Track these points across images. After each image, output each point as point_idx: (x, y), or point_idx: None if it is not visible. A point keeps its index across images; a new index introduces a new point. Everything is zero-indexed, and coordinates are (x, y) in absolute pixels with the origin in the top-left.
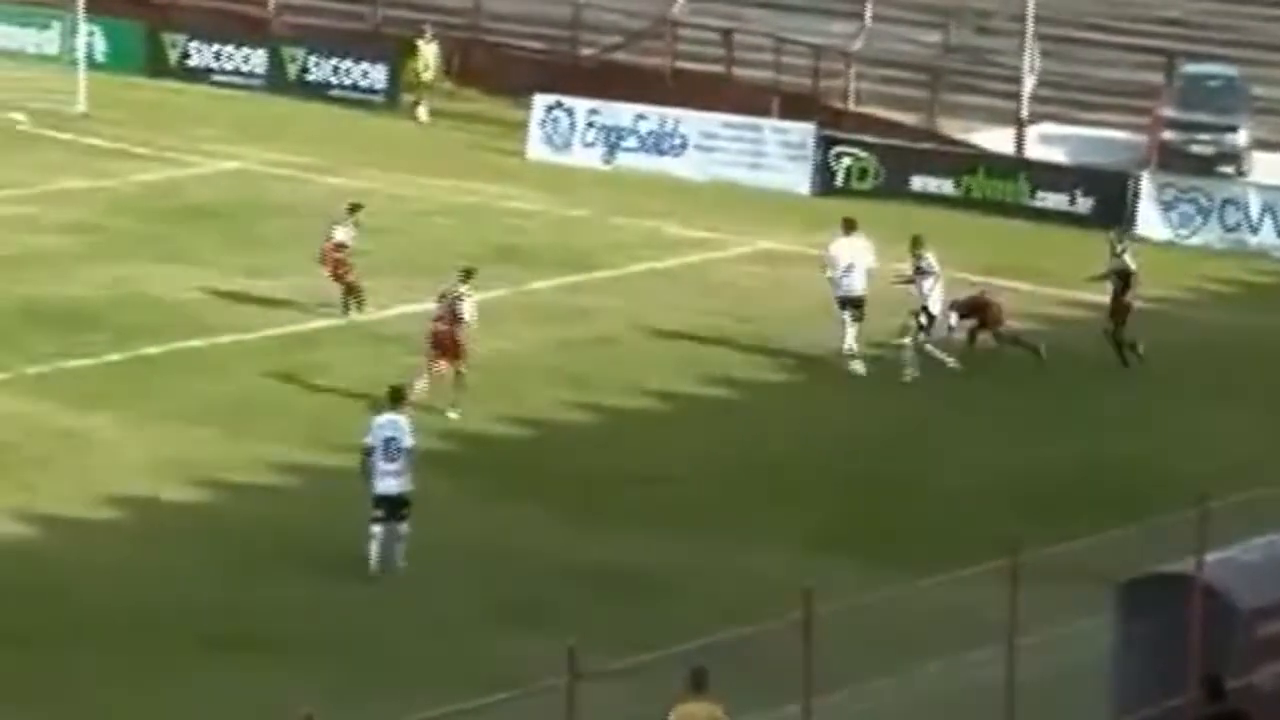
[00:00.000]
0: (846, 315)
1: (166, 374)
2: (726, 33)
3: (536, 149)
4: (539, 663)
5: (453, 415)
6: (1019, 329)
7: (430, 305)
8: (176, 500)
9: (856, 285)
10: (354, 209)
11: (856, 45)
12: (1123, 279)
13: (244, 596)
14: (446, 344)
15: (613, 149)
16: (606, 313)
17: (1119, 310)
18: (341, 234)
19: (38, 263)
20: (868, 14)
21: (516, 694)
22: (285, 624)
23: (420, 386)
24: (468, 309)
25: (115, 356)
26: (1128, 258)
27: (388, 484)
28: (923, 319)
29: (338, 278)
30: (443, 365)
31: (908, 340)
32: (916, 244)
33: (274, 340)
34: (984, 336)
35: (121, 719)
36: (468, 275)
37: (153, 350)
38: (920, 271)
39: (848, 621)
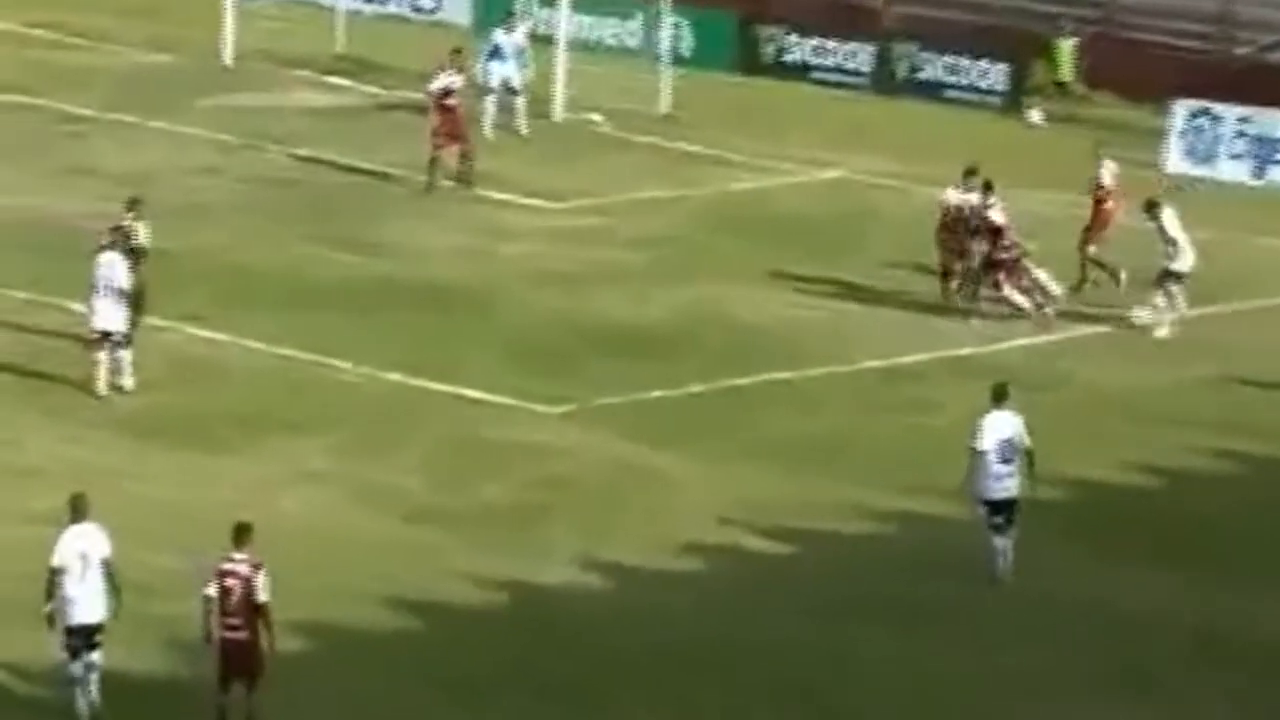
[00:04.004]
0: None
1: (752, 408)
2: None
3: (1176, 161)
4: None
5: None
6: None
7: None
8: (751, 548)
9: None
10: (987, 188)
11: None
12: None
13: (816, 647)
14: None
15: None
16: (1239, 348)
17: None
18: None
19: (611, 281)
20: None
21: None
22: (854, 677)
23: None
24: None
25: (695, 388)
26: None
27: (1005, 486)
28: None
29: (958, 255)
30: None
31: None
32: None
33: (875, 372)
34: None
35: None
36: (971, 173)
37: (738, 381)
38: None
39: None
